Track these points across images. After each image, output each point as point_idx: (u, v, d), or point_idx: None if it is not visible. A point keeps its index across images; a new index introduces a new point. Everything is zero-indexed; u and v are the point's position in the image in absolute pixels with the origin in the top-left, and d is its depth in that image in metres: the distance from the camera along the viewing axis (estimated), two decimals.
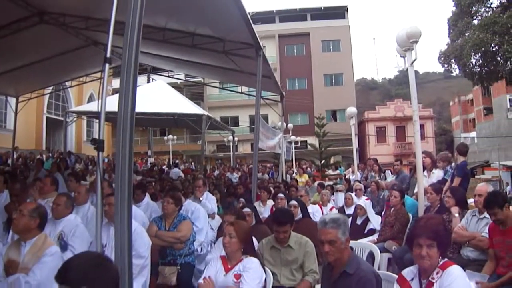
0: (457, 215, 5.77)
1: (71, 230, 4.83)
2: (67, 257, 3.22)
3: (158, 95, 16.86)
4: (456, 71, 25.64)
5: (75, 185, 7.30)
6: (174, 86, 23.56)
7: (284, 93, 16.42)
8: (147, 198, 7.55)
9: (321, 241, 3.35)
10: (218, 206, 8.91)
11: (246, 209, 6.25)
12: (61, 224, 4.89)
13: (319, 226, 3.41)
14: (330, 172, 18.90)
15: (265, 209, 9.15)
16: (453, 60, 24.41)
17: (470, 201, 6.43)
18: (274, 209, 8.18)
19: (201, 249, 6.51)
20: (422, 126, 44.24)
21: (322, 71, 47.45)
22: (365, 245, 5.97)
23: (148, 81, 24.79)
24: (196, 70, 15.97)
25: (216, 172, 23.22)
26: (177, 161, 31.17)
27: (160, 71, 20.36)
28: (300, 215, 6.58)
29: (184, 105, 17.33)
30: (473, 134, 49.91)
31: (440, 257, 3.03)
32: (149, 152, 29.29)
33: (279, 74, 44.74)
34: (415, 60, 6.73)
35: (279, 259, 4.71)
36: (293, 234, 4.85)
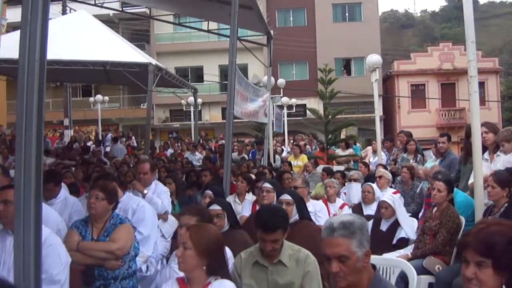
0: None
1: None
2: None
3: (79, 34, 16.63)
4: None
5: None
6: (105, 20, 23.26)
7: (272, 32, 16.36)
8: (64, 192, 7.47)
9: (327, 257, 3.30)
10: (173, 202, 8.88)
11: (215, 207, 6.21)
12: None
13: (324, 235, 3.36)
14: (340, 151, 18.87)
15: (243, 206, 9.15)
16: None
17: None
18: (257, 206, 8.18)
19: (147, 268, 6.48)
20: (482, 84, 44.57)
21: (330, 0, 47.26)
22: (394, 262, 6.02)
23: (64, 12, 24.46)
24: None
25: (170, 151, 23.20)
26: (110, 134, 31.03)
27: None
28: (296, 216, 6.53)
29: (120, 50, 17.13)
30: None
31: (504, 286, 2.88)
32: (66, 122, 29.08)
33: (265, 4, 44.45)
34: None
35: (265, 282, 4.72)
36: (287, 244, 4.86)
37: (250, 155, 20.10)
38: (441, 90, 47.31)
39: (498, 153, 8.23)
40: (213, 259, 4.20)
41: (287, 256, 4.77)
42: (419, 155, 12.41)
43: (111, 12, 32.70)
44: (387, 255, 6.69)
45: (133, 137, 32.65)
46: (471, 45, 6.77)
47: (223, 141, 15.48)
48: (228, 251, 4.91)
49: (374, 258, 3.61)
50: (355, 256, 3.26)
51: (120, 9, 22.21)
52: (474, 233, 2.96)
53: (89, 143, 26.51)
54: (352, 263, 3.26)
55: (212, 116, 46.26)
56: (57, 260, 4.62)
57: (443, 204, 7.38)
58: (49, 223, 5.28)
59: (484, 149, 8.05)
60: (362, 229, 3.35)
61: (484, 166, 7.44)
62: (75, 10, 22.79)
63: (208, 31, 18.27)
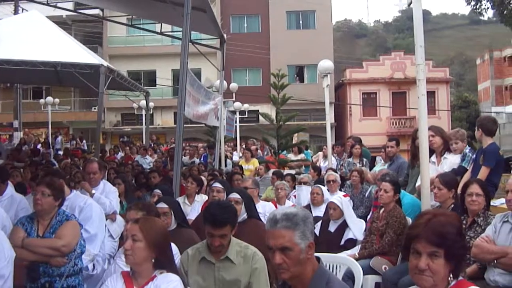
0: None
1: None
2: None
3: (31, 34, 16.34)
4: (488, 13, 25.87)
5: None
6: (58, 21, 22.96)
7: (226, 36, 16.36)
8: (11, 189, 7.36)
9: (270, 248, 3.30)
10: (121, 202, 8.81)
11: (161, 205, 6.19)
12: None
13: (268, 226, 3.35)
14: (292, 156, 18.96)
15: (192, 208, 9.14)
16: None
17: (501, 201, 6.62)
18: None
19: (94, 266, 6.44)
20: (432, 93, 45.40)
21: (285, 7, 47.60)
22: (340, 259, 6.07)
23: (16, 12, 24.08)
24: None
25: (120, 155, 23.03)
26: (60, 137, 30.68)
27: None
28: (245, 215, 6.55)
29: (72, 51, 16.88)
30: (510, 108, 50.87)
31: (451, 275, 2.96)
32: (16, 123, 28.64)
33: (219, 9, 44.50)
34: None
35: (212, 279, 4.73)
36: (235, 241, 4.87)
37: (201, 159, 20.07)
38: (392, 99, 47.98)
39: (445, 155, 8.39)
40: (162, 252, 4.19)
41: (234, 253, 4.79)
42: (364, 159, 12.50)
43: (64, 14, 32.38)
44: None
45: (83, 141, 32.30)
46: (420, 49, 6.87)
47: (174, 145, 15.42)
48: (174, 248, 4.91)
49: (320, 256, 3.60)
50: (298, 247, 3.25)
51: (73, 9, 21.95)
52: (423, 224, 2.97)
53: (39, 146, 26.19)
54: (295, 255, 3.25)
55: (164, 120, 46.03)
56: (1, 254, 4.55)
57: (390, 204, 7.46)
58: None
59: (432, 152, 8.18)
60: (305, 221, 3.32)
61: (431, 169, 7.56)
62: (27, 10, 22.44)
63: (161, 33, 18.20)
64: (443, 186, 6.82)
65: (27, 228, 5.53)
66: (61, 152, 23.93)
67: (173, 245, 4.74)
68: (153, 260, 4.14)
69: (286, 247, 3.24)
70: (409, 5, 7.08)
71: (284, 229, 3.27)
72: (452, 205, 6.74)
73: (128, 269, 4.27)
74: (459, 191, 6.70)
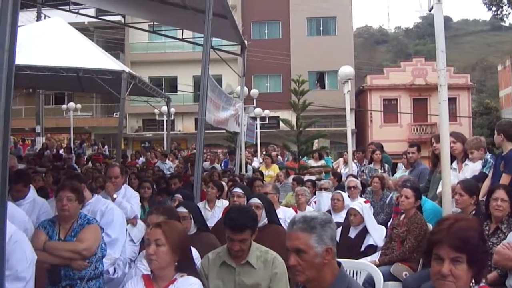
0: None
1: None
2: None
3: (53, 40, 16.53)
4: (510, 19, 25.69)
5: None
6: (80, 28, 23.14)
7: (246, 42, 16.38)
8: (33, 193, 7.42)
9: (287, 250, 3.31)
10: (143, 206, 8.84)
11: (181, 209, 6.21)
12: None
13: (287, 228, 3.39)
14: (312, 162, 18.92)
15: (213, 214, 9.17)
16: (505, 1, 24.07)
17: None
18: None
19: (115, 270, 6.44)
20: (453, 100, 44.87)
21: (305, 13, 47.41)
22: (361, 265, 6.03)
23: (39, 18, 24.30)
24: (114, 4, 15.72)
25: (141, 160, 23.12)
26: (84, 144, 30.87)
27: (58, 2, 19.89)
28: (265, 220, 6.55)
29: (94, 57, 17.05)
30: None
31: (473, 281, 2.92)
32: (38, 129, 28.87)
33: (240, 15, 44.59)
34: None
35: (232, 283, 4.72)
36: (255, 246, 4.87)
37: (222, 164, 20.12)
38: (413, 105, 47.62)
39: (466, 162, 8.32)
40: (184, 255, 4.21)
41: (254, 257, 4.78)
42: (386, 165, 12.45)
43: (86, 20, 32.63)
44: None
45: (105, 146, 32.48)
46: (441, 54, 6.84)
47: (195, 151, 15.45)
48: (195, 252, 4.91)
49: (341, 262, 3.59)
50: (313, 251, 3.25)
51: (95, 16, 22.13)
52: (445, 229, 2.93)
53: (61, 151, 26.37)
54: (309, 258, 3.24)
55: (185, 126, 46.11)
56: (23, 256, 4.54)
57: (411, 211, 7.40)
58: (16, 221, 5.21)
59: (453, 158, 8.12)
60: (323, 225, 3.32)
61: (452, 175, 7.51)
62: (49, 17, 22.64)
63: (183, 39, 18.26)
64: (465, 192, 6.74)
65: (49, 231, 5.55)
66: (85, 157, 24.07)
67: (194, 250, 4.74)
68: (176, 263, 4.16)
69: (301, 249, 3.25)
70: (430, 10, 7.03)
71: (300, 231, 3.28)
72: (474, 212, 6.68)
73: (149, 273, 4.28)
74: (481, 197, 6.65)
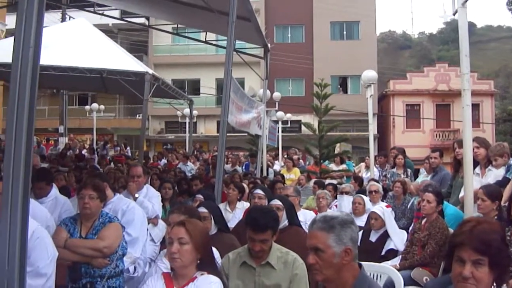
0: None
1: None
2: None
3: (77, 41, 16.62)
4: None
5: None
6: (104, 30, 23.28)
7: (269, 45, 16.39)
8: (55, 191, 7.47)
9: (307, 249, 3.35)
10: (164, 206, 8.86)
11: (201, 209, 6.20)
12: None
13: (308, 229, 3.43)
14: (333, 166, 18.91)
15: (233, 215, 9.15)
16: None
17: None
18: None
19: (135, 269, 6.43)
20: (476, 106, 44.55)
21: (329, 17, 47.45)
22: (382, 268, 6.00)
23: (63, 20, 24.48)
24: (139, 6, 15.80)
25: (163, 162, 23.21)
26: (107, 144, 31.05)
27: (82, 3, 20.04)
28: (286, 222, 6.53)
29: (117, 58, 17.12)
30: None
31: (494, 284, 2.90)
32: (61, 129, 29.07)
33: (263, 18, 44.64)
34: None
35: (252, 284, 4.72)
36: (276, 247, 4.86)
37: (243, 167, 20.13)
38: (436, 111, 47.28)
39: (489, 167, 8.25)
40: (206, 253, 4.23)
41: (275, 258, 4.77)
42: (409, 170, 12.40)
43: (110, 22, 32.83)
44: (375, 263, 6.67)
45: (128, 147, 32.67)
46: (465, 58, 6.80)
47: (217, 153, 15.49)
48: (215, 252, 4.91)
49: (363, 264, 3.58)
50: (331, 250, 3.26)
51: (119, 17, 22.27)
52: (468, 231, 2.92)
53: (84, 152, 26.56)
54: (327, 257, 3.26)
55: (207, 129, 46.21)
56: (44, 253, 4.56)
57: (432, 215, 7.35)
58: (38, 217, 5.25)
59: (476, 164, 8.07)
60: (343, 225, 3.33)
61: (475, 181, 7.45)
62: (74, 18, 22.81)
63: (206, 42, 18.32)
64: (487, 198, 6.70)
65: (70, 229, 5.57)
66: (109, 158, 24.21)
67: (214, 249, 4.75)
68: (197, 262, 4.18)
69: (318, 248, 3.27)
70: (454, 14, 6.99)
71: (319, 230, 3.31)
72: (496, 217, 6.61)
73: (169, 271, 4.29)
74: (503, 202, 6.59)
